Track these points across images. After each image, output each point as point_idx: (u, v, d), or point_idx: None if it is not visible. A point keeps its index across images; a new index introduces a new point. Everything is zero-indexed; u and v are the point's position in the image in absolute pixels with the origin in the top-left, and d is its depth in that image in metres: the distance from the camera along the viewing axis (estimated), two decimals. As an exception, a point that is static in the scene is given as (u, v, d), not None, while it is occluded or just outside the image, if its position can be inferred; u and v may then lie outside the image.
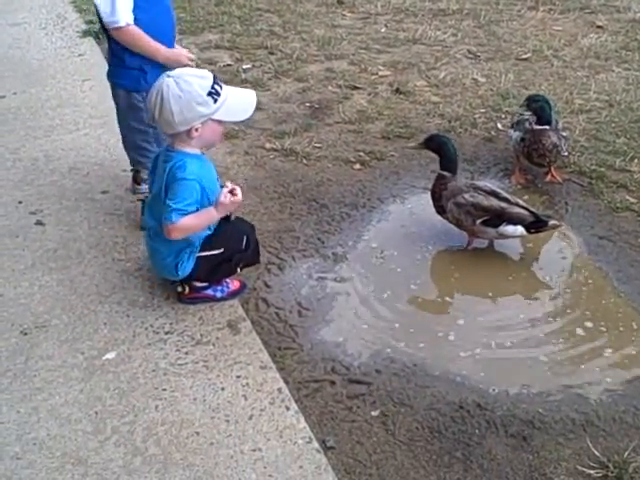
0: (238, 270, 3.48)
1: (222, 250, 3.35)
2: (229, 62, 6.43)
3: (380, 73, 6.14)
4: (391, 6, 7.85)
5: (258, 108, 5.46)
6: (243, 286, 3.60)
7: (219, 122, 3.20)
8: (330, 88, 5.89)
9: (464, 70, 6.16)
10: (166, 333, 3.33)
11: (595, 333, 3.37)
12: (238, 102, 3.23)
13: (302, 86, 5.93)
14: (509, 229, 3.78)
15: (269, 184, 4.57)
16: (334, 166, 4.76)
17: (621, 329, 3.39)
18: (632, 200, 4.26)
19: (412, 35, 6.96)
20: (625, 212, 4.17)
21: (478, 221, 3.79)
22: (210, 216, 3.19)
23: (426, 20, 7.44)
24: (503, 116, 5.31)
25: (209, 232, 3.34)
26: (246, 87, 5.83)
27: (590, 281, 3.71)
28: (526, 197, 4.32)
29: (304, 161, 4.80)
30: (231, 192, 3.17)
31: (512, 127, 4.67)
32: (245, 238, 3.43)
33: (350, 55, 6.54)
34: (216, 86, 3.08)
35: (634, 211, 4.18)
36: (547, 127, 4.33)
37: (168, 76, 3.05)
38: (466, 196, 3.84)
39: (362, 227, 4.16)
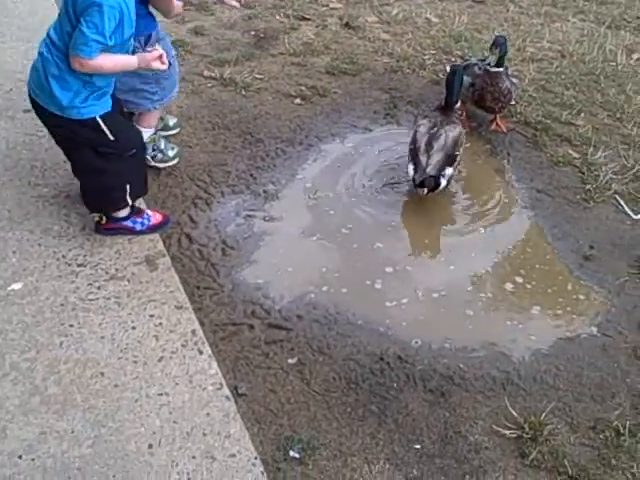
0: (129, 200, 3.21)
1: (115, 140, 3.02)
2: (174, -18, 6.10)
3: (331, 5, 5.89)
4: None
5: (200, 33, 5.30)
6: (166, 220, 3.41)
7: None
8: (278, 17, 5.63)
9: (418, 9, 5.94)
10: (79, 265, 3.15)
11: (524, 290, 3.28)
12: None
13: (249, 13, 5.65)
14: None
15: (204, 114, 4.35)
16: (274, 99, 4.55)
17: (551, 287, 3.31)
18: (575, 155, 4.16)
19: (367, -32, 6.69)
20: (566, 167, 4.07)
21: None
22: (128, 64, 2.91)
23: (382, -47, 7.17)
24: (453, 59, 5.13)
25: (113, 79, 2.99)
26: (189, 10, 5.59)
27: (524, 236, 3.62)
28: (469, 144, 4.19)
29: (243, 92, 4.58)
30: (160, 57, 2.95)
31: None
32: (134, 151, 3.17)
33: (302, -16, 6.27)
34: None
35: (575, 166, 4.08)
36: (501, 70, 4.20)
37: None
38: None
39: (297, 165, 3.99)
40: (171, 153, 3.85)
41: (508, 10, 6.02)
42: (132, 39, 2.90)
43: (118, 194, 3.18)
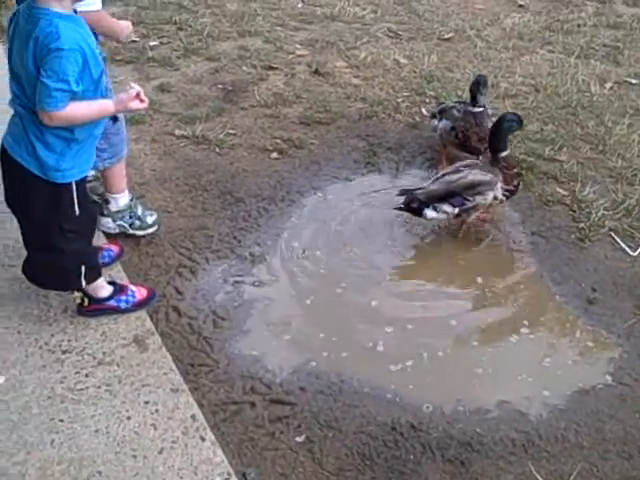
0: (83, 282, 2.98)
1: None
2: (134, 38, 5.94)
3: (297, 52, 5.80)
4: (307, -20, 7.50)
5: (166, 90, 5.16)
6: (152, 295, 3.23)
7: None
8: (244, 68, 5.51)
9: (385, 50, 5.87)
10: (63, 352, 2.95)
11: (531, 341, 3.16)
12: None
13: (214, 66, 5.54)
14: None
15: (179, 176, 4.20)
16: (250, 155, 4.42)
17: (559, 336, 3.19)
18: (563, 192, 4.08)
19: (330, 11, 6.63)
20: (556, 205, 3.99)
21: None
22: (104, 110, 2.68)
23: (344, -5, 7.13)
24: (427, 100, 5.05)
25: (95, 127, 2.75)
26: (153, 66, 5.48)
27: (524, 282, 3.50)
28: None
29: (217, 150, 4.44)
30: (137, 96, 2.72)
31: (434, 116, 4.40)
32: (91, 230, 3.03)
33: (265, 32, 6.17)
34: None
35: (565, 204, 4.00)
36: (483, 109, 4.12)
37: None
38: None
39: (281, 224, 3.85)
40: (150, 220, 3.69)
41: (476, 46, 5.97)
42: (104, 76, 2.69)
43: (72, 276, 2.96)
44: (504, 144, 3.68)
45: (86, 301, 3.09)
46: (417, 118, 4.84)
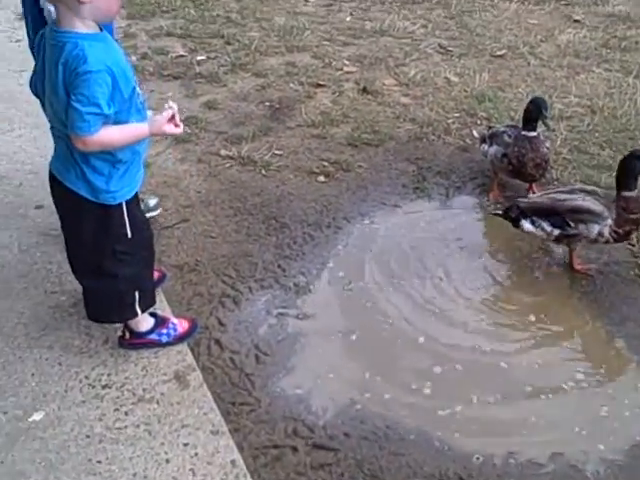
0: (138, 310, 2.92)
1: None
2: (182, 52, 5.94)
3: (345, 69, 5.71)
4: (357, -8, 7.41)
5: (213, 107, 5.09)
6: (193, 327, 3.16)
7: None
8: (292, 85, 5.44)
9: (436, 67, 5.74)
10: (103, 387, 2.89)
11: (588, 388, 3.01)
12: None
13: (261, 82, 5.47)
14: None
15: (224, 198, 4.13)
16: (296, 177, 4.33)
17: (617, 383, 3.03)
18: (622, 224, 3.91)
19: (379, 26, 6.53)
20: (615, 239, 3.82)
21: None
22: (139, 134, 2.59)
23: (394, 8, 7.02)
24: (479, 122, 4.91)
25: (137, 145, 2.66)
26: (200, 82, 5.43)
27: (581, 323, 3.35)
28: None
29: (263, 171, 4.36)
30: (173, 119, 2.62)
31: (484, 141, 4.28)
32: (147, 252, 2.95)
33: (313, 47, 6.10)
34: None
35: (624, 238, 3.83)
36: (538, 133, 3.99)
37: None
38: None
39: (327, 252, 3.75)
40: (152, 203, 3.86)
41: (529, 64, 5.81)
42: (137, 88, 2.59)
43: (126, 303, 2.89)
44: (633, 184, 3.43)
45: (127, 334, 3.03)
46: (468, 140, 4.71)
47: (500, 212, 3.74)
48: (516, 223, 3.64)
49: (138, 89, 2.60)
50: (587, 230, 3.46)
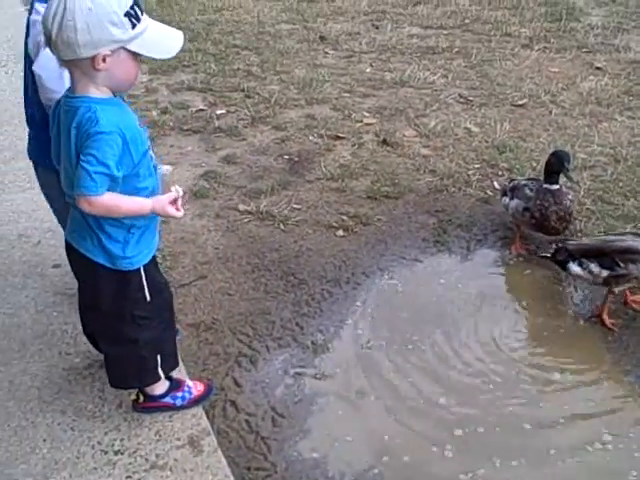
0: (160, 374, 2.87)
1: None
2: (202, 107, 5.97)
3: (365, 120, 5.69)
4: (377, 43, 7.43)
5: (232, 162, 5.09)
6: (208, 390, 3.09)
7: (134, 57, 2.40)
8: (311, 138, 5.43)
9: (456, 117, 5.71)
10: (116, 453, 2.82)
11: (615, 450, 2.89)
12: (160, 36, 2.46)
13: (281, 135, 5.47)
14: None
15: (242, 254, 4.09)
16: (315, 232, 4.29)
17: (645, 445, 2.93)
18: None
19: (399, 76, 6.52)
20: (640, 291, 3.73)
21: None
22: (141, 208, 2.51)
23: (414, 59, 7.02)
24: (500, 173, 4.86)
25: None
26: (220, 136, 5.44)
27: (607, 380, 3.25)
28: (528, 271, 3.90)
29: (281, 226, 4.33)
30: (175, 202, 2.56)
31: (505, 194, 4.22)
32: (167, 314, 2.90)
33: (333, 99, 6.10)
34: (137, 8, 2.33)
35: (649, 288, 3.74)
36: (560, 186, 3.94)
37: None
38: None
39: (345, 309, 3.69)
40: None
41: (551, 112, 5.76)
42: (149, 152, 2.54)
43: (148, 368, 2.85)
44: None
45: (141, 397, 2.97)
46: (489, 192, 4.65)
47: (548, 254, 3.74)
48: (563, 266, 3.66)
49: (151, 152, 2.58)
50: (637, 270, 3.43)
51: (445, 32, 7.82)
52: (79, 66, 2.32)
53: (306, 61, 7.02)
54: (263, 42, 7.55)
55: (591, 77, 6.43)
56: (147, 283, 2.68)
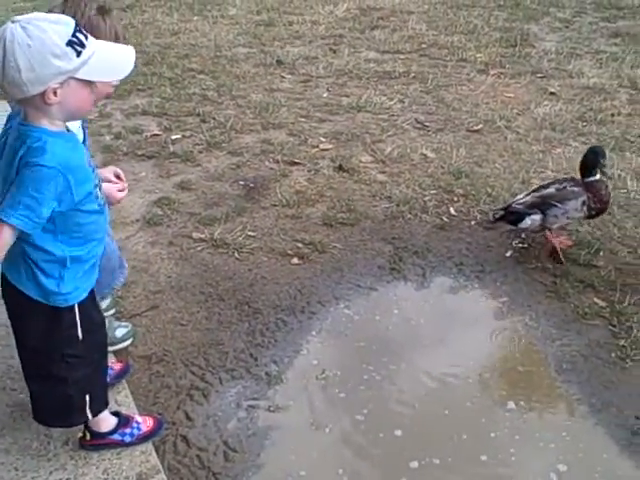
0: (89, 414, 2.75)
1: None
2: (157, 132, 5.89)
3: (321, 146, 5.66)
4: (333, 68, 7.41)
5: (186, 188, 5.02)
6: (158, 426, 3.00)
7: (86, 83, 2.31)
8: (267, 163, 5.38)
9: (412, 143, 5.71)
10: (61, 494, 2.74)
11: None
12: (110, 58, 2.37)
13: (236, 161, 5.41)
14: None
15: (195, 283, 4.02)
16: (269, 260, 4.23)
17: (601, 477, 2.89)
18: (601, 303, 3.81)
19: (356, 101, 6.51)
20: (595, 319, 3.71)
21: None
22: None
23: (371, 84, 7.02)
24: (455, 199, 4.85)
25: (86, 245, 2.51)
26: (174, 162, 5.37)
27: (562, 411, 3.24)
28: (483, 298, 3.88)
29: (236, 254, 4.26)
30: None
31: (526, 215, 4.20)
32: (99, 355, 2.77)
33: (289, 124, 6.06)
34: (79, 35, 2.24)
35: (604, 317, 3.72)
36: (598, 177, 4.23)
37: (13, 21, 2.18)
38: None
39: (300, 338, 3.63)
40: (119, 333, 3.49)
41: (506, 138, 5.78)
42: (95, 191, 2.44)
43: (76, 408, 2.72)
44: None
45: (88, 435, 2.88)
46: (445, 218, 4.64)
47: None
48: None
49: (97, 191, 2.49)
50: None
51: (402, 57, 7.84)
52: (31, 102, 2.25)
53: (262, 85, 6.98)
54: (219, 66, 7.50)
55: (545, 102, 6.47)
56: (80, 321, 2.56)
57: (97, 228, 2.50)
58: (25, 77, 2.15)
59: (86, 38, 2.26)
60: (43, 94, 2.21)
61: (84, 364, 2.65)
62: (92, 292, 2.64)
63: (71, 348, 2.59)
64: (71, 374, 2.63)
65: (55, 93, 2.22)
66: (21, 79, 2.15)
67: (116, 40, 2.60)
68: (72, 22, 2.24)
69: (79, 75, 2.25)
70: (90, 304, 2.63)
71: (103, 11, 2.65)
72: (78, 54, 2.21)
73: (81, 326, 2.57)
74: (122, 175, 2.75)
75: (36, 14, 2.25)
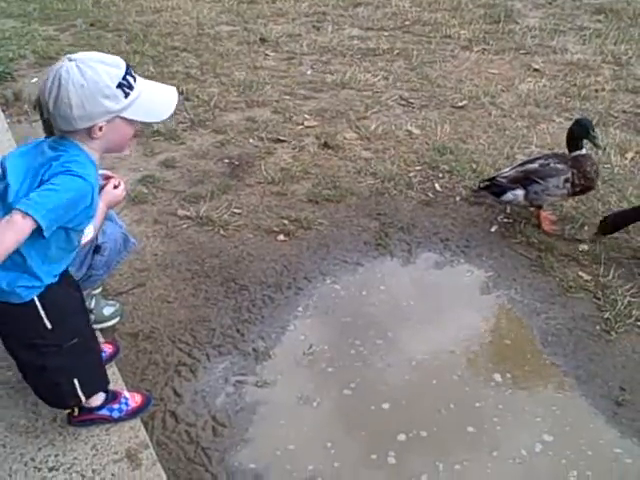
0: (82, 397, 2.75)
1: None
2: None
3: (306, 123, 5.65)
4: (317, 45, 7.40)
5: (171, 165, 5.00)
6: (147, 402, 3.01)
7: (129, 122, 2.45)
8: (251, 141, 5.37)
9: (397, 120, 5.71)
10: (50, 469, 2.73)
11: (557, 451, 2.90)
12: (155, 99, 2.50)
13: (221, 138, 5.40)
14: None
15: (181, 261, 4.01)
16: (255, 237, 4.23)
17: (586, 446, 2.92)
18: (585, 277, 3.85)
19: (340, 78, 6.50)
20: (579, 292, 3.74)
21: None
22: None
23: (355, 61, 7.01)
24: (440, 175, 4.86)
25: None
26: (159, 140, 5.34)
27: (547, 382, 3.26)
28: (469, 273, 3.90)
29: (221, 231, 4.26)
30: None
31: (508, 190, 4.23)
32: (75, 340, 2.69)
33: (274, 102, 6.05)
34: (129, 77, 2.36)
35: (589, 290, 3.76)
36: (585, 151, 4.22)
37: (70, 59, 2.30)
38: None
39: (287, 314, 3.64)
40: (107, 312, 3.49)
41: (490, 114, 5.79)
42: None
43: (65, 392, 2.73)
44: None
45: (76, 410, 2.87)
46: (430, 194, 4.65)
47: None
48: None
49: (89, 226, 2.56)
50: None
51: (386, 34, 7.83)
52: (76, 134, 2.37)
53: (246, 63, 6.95)
54: (202, 44, 7.46)
55: (529, 79, 6.49)
56: (46, 312, 2.52)
57: (63, 258, 2.52)
58: (76, 113, 2.29)
59: (134, 80, 2.39)
60: (90, 129, 2.35)
61: (60, 352, 2.61)
62: (64, 279, 2.60)
63: (41, 338, 2.55)
64: (48, 362, 2.61)
65: (101, 129, 2.36)
66: (72, 115, 2.29)
67: None
68: (124, 65, 2.37)
69: (125, 114, 2.38)
70: (61, 291, 2.58)
71: None
72: (126, 95, 2.35)
73: (47, 317, 2.52)
74: (109, 173, 2.77)
75: (92, 54, 2.38)
